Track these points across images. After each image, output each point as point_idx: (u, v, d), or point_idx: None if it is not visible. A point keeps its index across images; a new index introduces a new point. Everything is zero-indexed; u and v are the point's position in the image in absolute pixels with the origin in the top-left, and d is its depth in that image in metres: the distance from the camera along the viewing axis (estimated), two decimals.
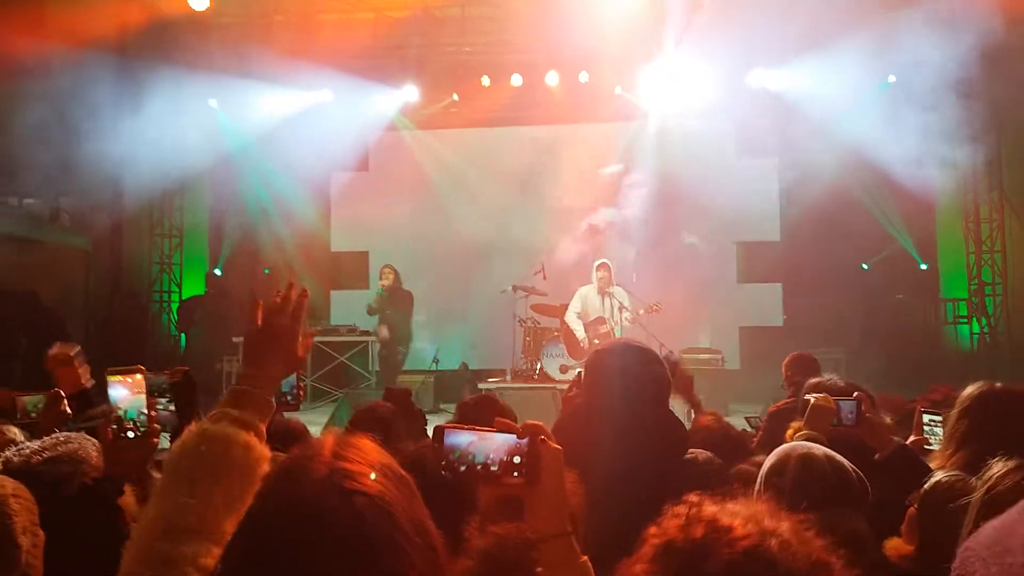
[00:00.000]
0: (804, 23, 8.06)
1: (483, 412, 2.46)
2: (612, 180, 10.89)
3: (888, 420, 2.84)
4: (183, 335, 11.56)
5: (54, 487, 1.79)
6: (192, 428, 1.19)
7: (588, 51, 9.87)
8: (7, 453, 1.96)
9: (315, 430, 3.21)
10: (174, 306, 11.73)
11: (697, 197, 10.64)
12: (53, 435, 2.04)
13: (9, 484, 1.65)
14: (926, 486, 2.05)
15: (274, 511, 0.96)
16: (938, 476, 2.07)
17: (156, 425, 1.86)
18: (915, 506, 2.05)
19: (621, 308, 8.34)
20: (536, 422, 1.20)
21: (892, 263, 10.66)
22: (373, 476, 0.97)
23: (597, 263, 8.67)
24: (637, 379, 2.39)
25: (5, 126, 8.19)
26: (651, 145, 10.83)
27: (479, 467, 1.17)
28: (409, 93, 10.84)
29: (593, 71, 10.45)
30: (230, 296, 11.10)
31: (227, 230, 11.84)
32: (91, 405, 2.69)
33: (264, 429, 1.23)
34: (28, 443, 2.01)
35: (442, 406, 9.42)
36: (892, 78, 9.59)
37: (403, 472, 1.04)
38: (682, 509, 0.98)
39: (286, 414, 2.55)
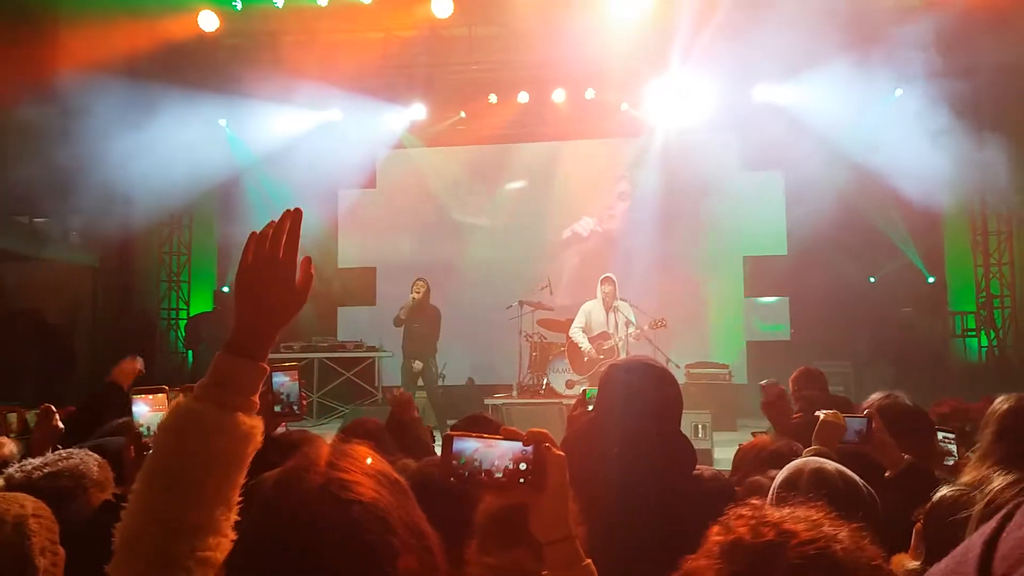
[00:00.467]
0: (810, 37, 8.06)
1: (476, 431, 2.47)
2: (619, 195, 10.91)
3: None
4: (191, 352, 11.61)
5: (57, 502, 1.79)
6: (173, 414, 1.08)
7: (594, 68, 9.91)
8: (9, 470, 1.98)
9: None
10: (182, 323, 11.78)
11: (704, 211, 10.69)
12: (57, 452, 2.05)
13: (29, 504, 1.65)
14: (932, 500, 2.04)
15: (272, 523, 0.98)
16: (943, 490, 2.06)
17: None
18: (921, 521, 2.04)
19: (627, 323, 8.29)
20: (541, 429, 1.21)
21: (899, 276, 10.60)
22: (367, 484, 1.00)
23: (602, 277, 8.60)
24: (648, 397, 2.40)
25: (16, 147, 8.28)
26: (658, 160, 10.87)
27: (484, 473, 1.18)
28: (417, 111, 10.90)
29: (599, 88, 10.50)
30: None
31: (235, 248, 11.88)
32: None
33: (255, 400, 1.11)
34: (31, 459, 2.03)
35: (449, 422, 9.38)
36: (899, 91, 9.58)
37: (397, 476, 1.06)
38: (746, 511, 1.04)
39: (290, 425, 2.53)
